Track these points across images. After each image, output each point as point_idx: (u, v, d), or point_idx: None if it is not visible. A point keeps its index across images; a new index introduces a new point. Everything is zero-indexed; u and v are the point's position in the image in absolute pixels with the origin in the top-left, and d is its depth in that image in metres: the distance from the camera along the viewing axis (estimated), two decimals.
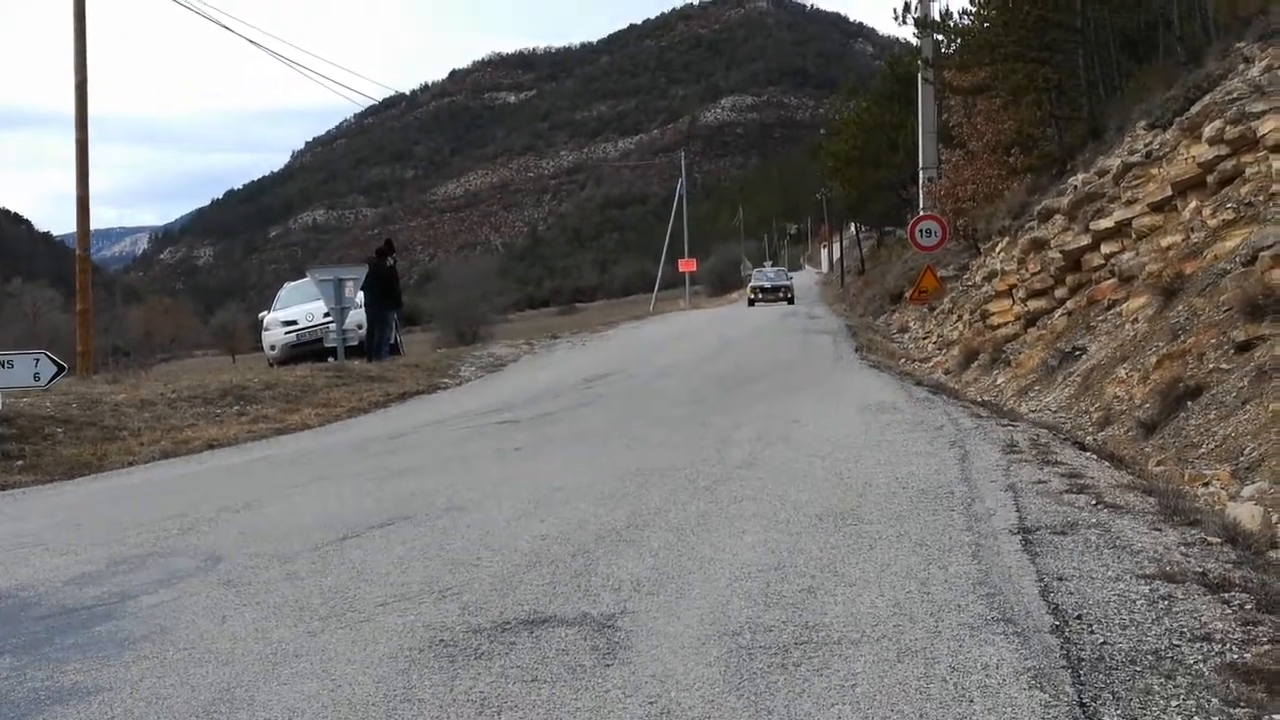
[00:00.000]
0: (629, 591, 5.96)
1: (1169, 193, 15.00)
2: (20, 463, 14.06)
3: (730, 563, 6.39)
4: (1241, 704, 4.13)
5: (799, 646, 4.94)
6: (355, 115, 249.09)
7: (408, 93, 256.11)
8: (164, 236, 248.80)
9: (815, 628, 5.18)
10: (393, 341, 24.04)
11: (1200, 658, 4.57)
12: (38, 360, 14.96)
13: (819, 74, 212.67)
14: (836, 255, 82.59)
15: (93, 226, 24.75)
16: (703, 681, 4.62)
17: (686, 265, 76.64)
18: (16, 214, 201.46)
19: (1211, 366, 10.86)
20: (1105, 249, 14.95)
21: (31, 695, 5.09)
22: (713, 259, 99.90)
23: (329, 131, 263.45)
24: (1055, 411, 11.48)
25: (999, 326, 17.13)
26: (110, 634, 6.01)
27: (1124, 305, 13.27)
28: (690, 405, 14.82)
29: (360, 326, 23.68)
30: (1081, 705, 4.16)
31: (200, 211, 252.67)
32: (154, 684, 5.11)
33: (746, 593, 5.80)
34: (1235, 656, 4.57)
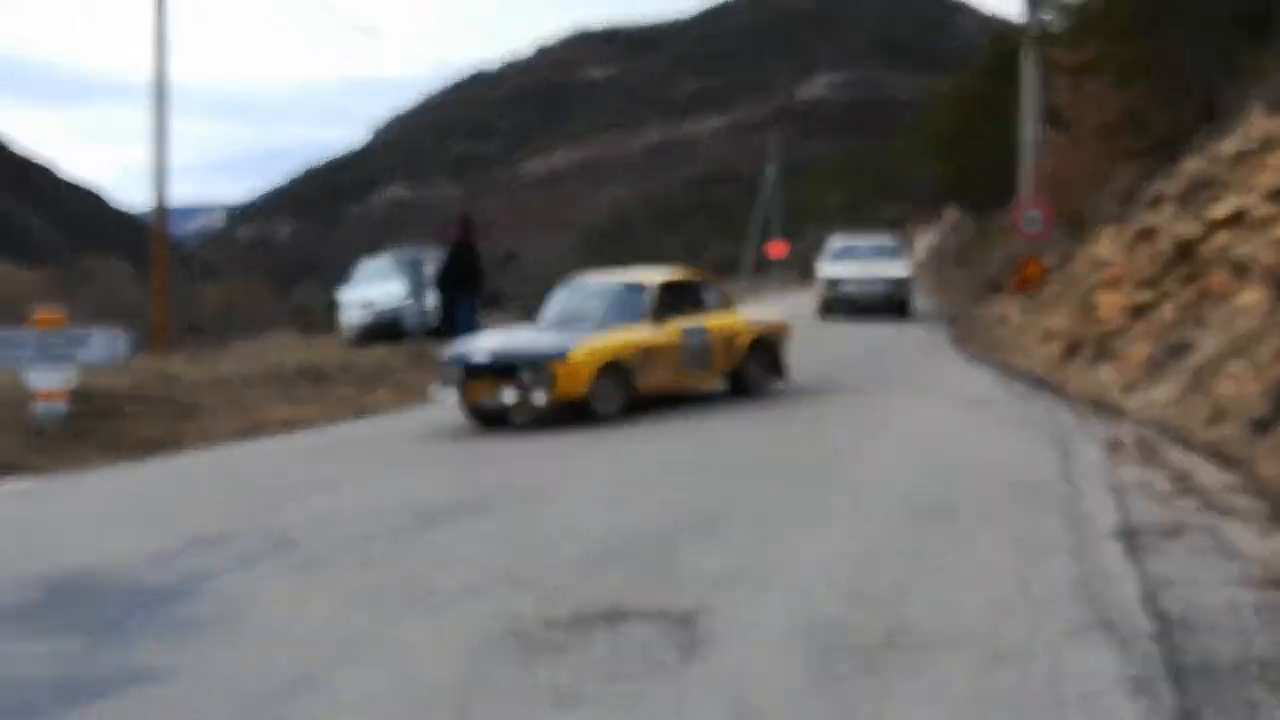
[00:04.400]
0: (710, 585, 5.81)
1: None
2: (97, 440, 14.09)
3: (816, 558, 6.23)
4: None
5: (887, 648, 4.78)
6: (439, 90, 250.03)
7: (493, 68, 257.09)
8: (242, 212, 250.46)
9: (905, 628, 5.01)
10: (472, 323, 24.04)
11: None
12: (114, 336, 15.00)
13: (918, 50, 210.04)
14: (933, 240, 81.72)
15: (170, 202, 24.98)
16: (786, 681, 4.48)
17: (776, 248, 76.13)
18: (94, 188, 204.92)
19: None
20: (1218, 239, 14.47)
21: (104, 676, 5.04)
22: (804, 240, 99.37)
23: (411, 108, 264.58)
24: (1162, 408, 11.13)
25: (1104, 319, 16.67)
26: (185, 615, 5.95)
27: (1237, 298, 12.82)
28: (778, 394, 14.62)
29: (439, 307, 23.69)
30: (1184, 715, 4.00)
31: (279, 187, 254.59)
32: (229, 666, 5.06)
33: (833, 589, 5.63)
34: None
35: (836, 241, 30.96)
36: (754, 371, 14.46)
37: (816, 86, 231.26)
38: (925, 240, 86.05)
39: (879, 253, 29.56)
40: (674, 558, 6.38)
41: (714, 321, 14.24)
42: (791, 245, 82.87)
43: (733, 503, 7.77)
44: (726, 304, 14.95)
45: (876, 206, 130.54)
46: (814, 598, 5.52)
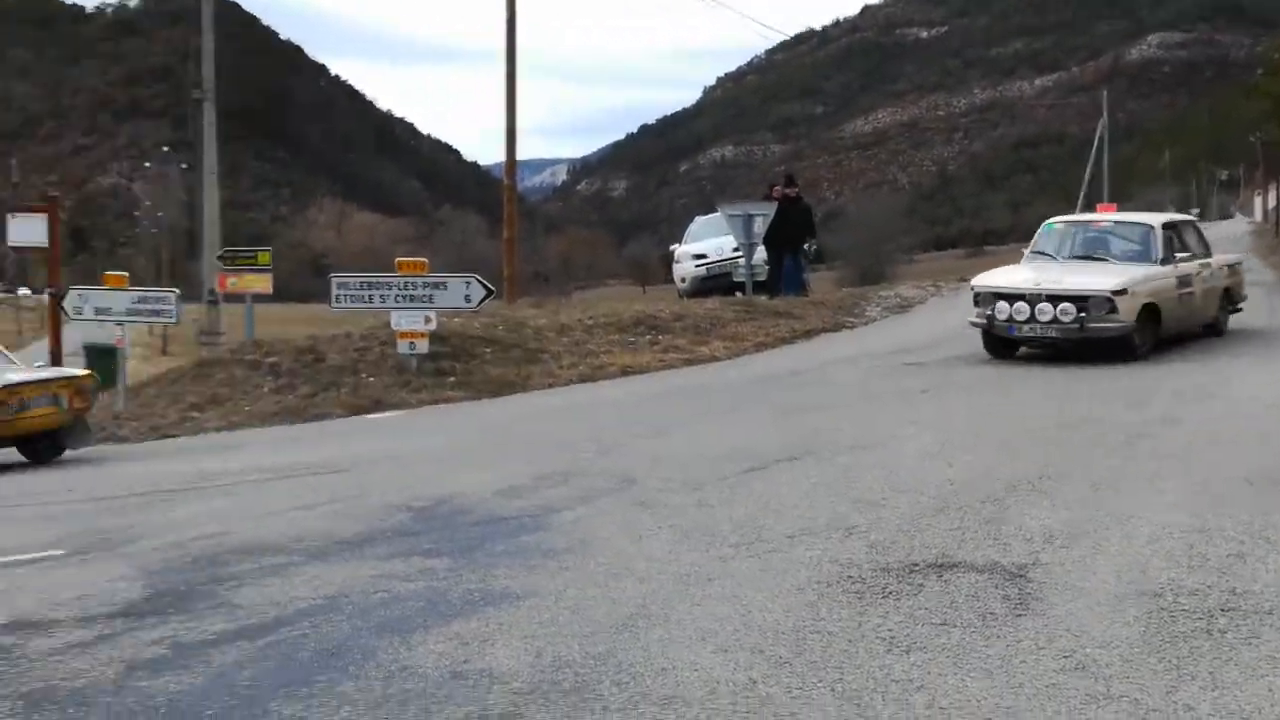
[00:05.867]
0: (1041, 543, 5.83)
1: None
2: (452, 379, 15.18)
3: (1149, 521, 6.15)
4: None
5: (1225, 613, 4.73)
6: (766, 51, 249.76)
7: (819, 28, 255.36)
8: (582, 168, 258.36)
9: (1244, 594, 4.94)
10: (801, 279, 24.16)
11: None
12: (468, 283, 16.00)
13: (1256, 8, 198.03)
14: (1272, 204, 77.13)
15: (518, 157, 26.11)
16: (1120, 640, 4.48)
17: (1105, 209, 73.28)
18: (448, 144, 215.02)
19: None
20: None
21: (466, 596, 5.49)
22: (1133, 204, 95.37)
23: (740, 68, 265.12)
24: None
25: None
26: (535, 544, 6.39)
27: None
28: (1105, 355, 14.22)
29: (768, 262, 23.93)
30: None
31: (616, 145, 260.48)
32: (576, 594, 5.40)
33: (1167, 553, 5.58)
34: None
35: (1055, 223, 17.05)
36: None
37: (1148, 46, 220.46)
38: (1262, 202, 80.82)
39: (1117, 244, 15.48)
40: (1003, 514, 6.42)
41: None
42: (1119, 207, 79.39)
43: (1058, 465, 7.71)
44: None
45: (1210, 168, 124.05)
46: (1146, 560, 5.48)
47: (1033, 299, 13.70)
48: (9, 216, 19.95)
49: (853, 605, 5.03)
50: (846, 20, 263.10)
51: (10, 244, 21.54)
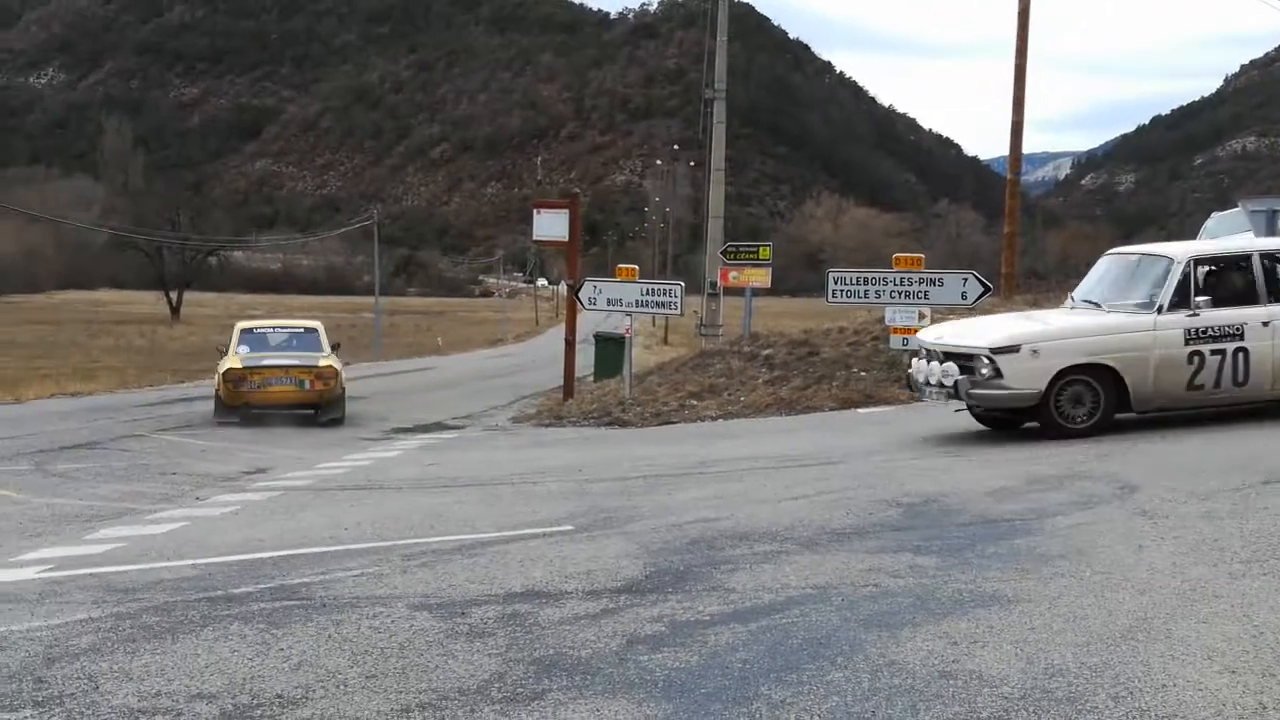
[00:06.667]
0: None
1: None
2: None
3: None
4: None
5: None
6: None
7: None
8: (1086, 162, 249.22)
9: None
10: None
11: None
12: (965, 280, 15.84)
13: None
14: None
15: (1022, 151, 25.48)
16: None
17: None
18: (948, 138, 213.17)
19: None
20: None
21: (955, 595, 5.44)
22: None
23: (1268, 54, 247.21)
24: None
25: None
26: (1028, 548, 6.25)
27: None
28: None
29: None
30: None
31: (1124, 138, 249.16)
32: (1071, 602, 5.23)
33: None
34: None
35: (1107, 255, 13.13)
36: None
37: None
38: None
39: (1139, 285, 11.49)
40: None
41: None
42: None
43: None
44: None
45: None
46: None
47: (930, 355, 11.30)
48: (535, 212, 21.23)
49: None
50: None
51: (535, 238, 22.92)
